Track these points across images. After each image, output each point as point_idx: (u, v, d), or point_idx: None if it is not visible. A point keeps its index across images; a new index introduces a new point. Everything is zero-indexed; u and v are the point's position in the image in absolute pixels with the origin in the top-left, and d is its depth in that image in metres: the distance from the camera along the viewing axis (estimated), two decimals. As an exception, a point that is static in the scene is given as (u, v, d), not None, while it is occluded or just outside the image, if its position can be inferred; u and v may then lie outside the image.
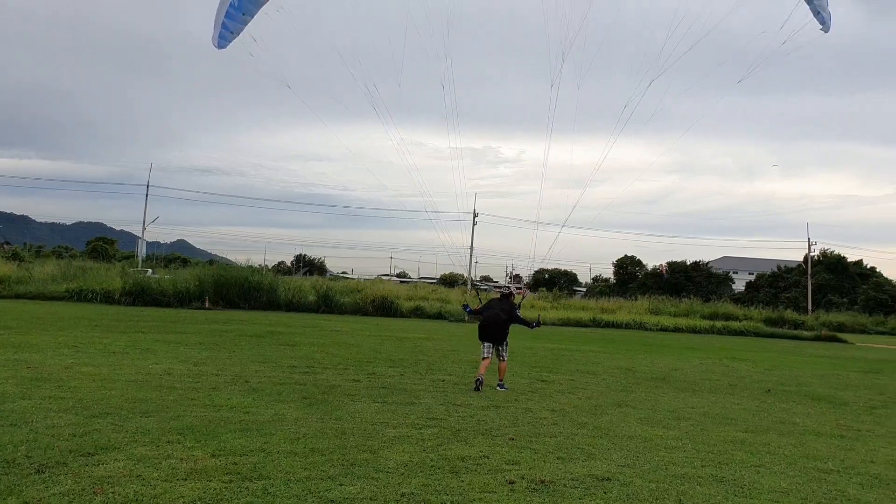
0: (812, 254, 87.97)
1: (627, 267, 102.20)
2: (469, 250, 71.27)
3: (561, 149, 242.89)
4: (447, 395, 12.94)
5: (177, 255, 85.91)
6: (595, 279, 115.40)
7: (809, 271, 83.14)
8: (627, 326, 45.68)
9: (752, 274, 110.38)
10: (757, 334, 48.38)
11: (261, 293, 39.07)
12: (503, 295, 15.01)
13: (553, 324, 44.18)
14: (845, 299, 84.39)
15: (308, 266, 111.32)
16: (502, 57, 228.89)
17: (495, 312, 14.36)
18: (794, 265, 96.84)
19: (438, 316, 41.98)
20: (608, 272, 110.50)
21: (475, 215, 70.27)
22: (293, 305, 39.51)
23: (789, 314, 63.96)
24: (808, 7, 13.37)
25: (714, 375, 19.75)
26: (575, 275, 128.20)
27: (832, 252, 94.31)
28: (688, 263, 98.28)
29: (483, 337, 14.31)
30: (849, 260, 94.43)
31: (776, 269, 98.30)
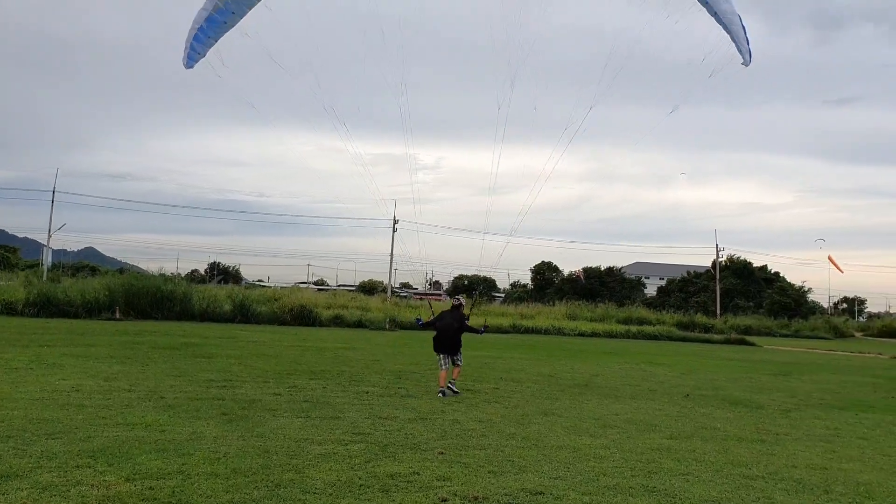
0: (720, 259, 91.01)
1: (545, 272, 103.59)
2: (389, 257, 70.94)
3: (480, 156, 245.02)
4: (372, 408, 12.65)
5: (85, 264, 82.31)
6: (513, 285, 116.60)
7: (717, 276, 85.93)
8: (546, 332, 46.17)
9: (663, 279, 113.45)
10: (670, 338, 49.60)
11: (174, 303, 37.74)
12: (454, 306, 15.63)
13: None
14: (751, 303, 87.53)
15: (222, 274, 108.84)
16: (420, 63, 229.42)
17: (448, 323, 15.07)
18: (702, 270, 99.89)
19: (359, 324, 41.46)
20: (526, 278, 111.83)
21: (395, 222, 69.99)
22: (208, 315, 38.31)
23: (700, 318, 65.89)
24: (727, 34, 13.65)
25: (634, 381, 20.04)
26: (494, 280, 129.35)
27: (738, 258, 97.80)
28: (602, 269, 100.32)
29: (438, 348, 14.97)
30: (754, 265, 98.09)
31: (686, 275, 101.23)
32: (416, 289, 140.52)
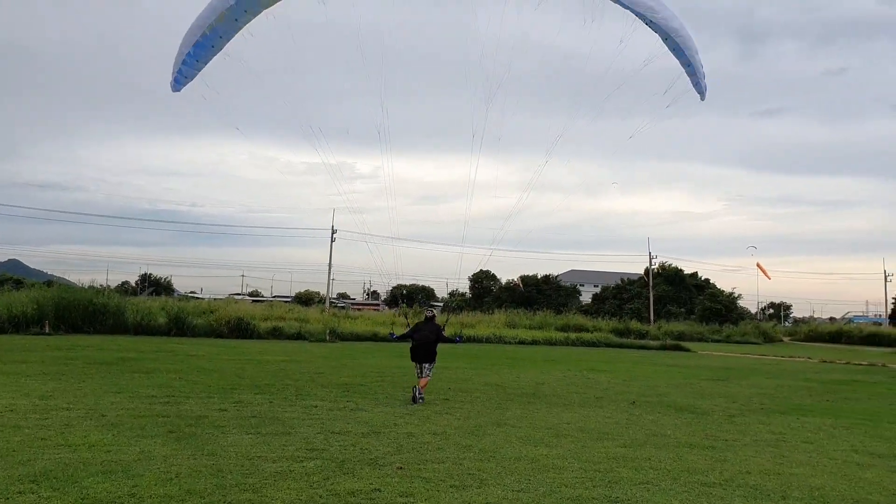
0: (652, 267, 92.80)
1: (483, 281, 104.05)
2: (327, 267, 70.24)
3: (415, 166, 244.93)
4: (323, 423, 12.40)
5: (9, 276, 79.27)
6: (452, 294, 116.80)
7: (651, 283, 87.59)
8: (488, 340, 46.29)
9: (597, 286, 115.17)
10: (608, 345, 50.32)
11: (106, 316, 36.59)
12: (427, 318, 16.52)
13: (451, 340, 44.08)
14: (683, 309, 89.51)
15: (154, 286, 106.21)
16: (352, 71, 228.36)
17: (425, 334, 15.96)
18: (636, 277, 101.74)
19: (298, 336, 40.89)
20: (464, 286, 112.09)
21: (333, 231, 69.35)
22: (142, 328, 37.25)
23: (634, 324, 67.09)
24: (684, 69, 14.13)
25: (579, 388, 20.20)
26: (432, 289, 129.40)
27: (670, 265, 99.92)
28: (539, 277, 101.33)
29: (415, 358, 15.94)
30: (685, 272, 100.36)
31: (620, 282, 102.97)
32: (354, 299, 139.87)
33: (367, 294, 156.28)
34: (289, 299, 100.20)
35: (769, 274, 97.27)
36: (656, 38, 14.80)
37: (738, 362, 37.56)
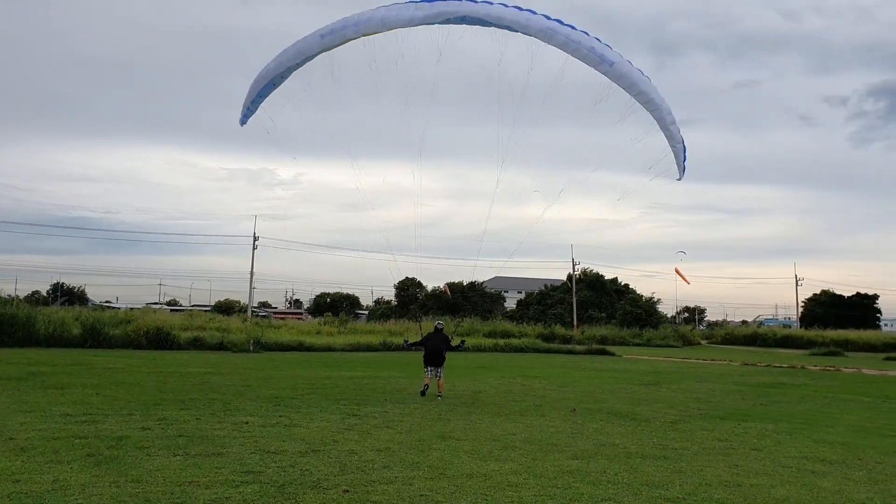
0: (575, 273, 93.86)
1: (409, 288, 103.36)
2: (249, 275, 68.40)
3: (339, 172, 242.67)
4: (256, 441, 11.58)
5: None
6: (377, 302, 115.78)
7: (574, 289, 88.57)
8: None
9: (521, 292, 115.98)
10: (536, 350, 50.37)
11: (15, 328, 34.47)
12: (436, 329, 19.35)
13: (343, 350, 43.18)
14: (604, 314, 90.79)
15: (67, 295, 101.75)
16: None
17: (435, 343, 18.87)
18: (559, 283, 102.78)
19: (220, 346, 39.45)
20: (390, 294, 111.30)
21: (255, 238, 67.59)
22: (55, 340, 35.26)
23: (559, 329, 67.63)
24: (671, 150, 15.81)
25: (516, 396, 19.81)
26: (357, 297, 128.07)
27: (591, 271, 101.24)
28: (464, 284, 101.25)
29: (427, 363, 18.72)
30: (606, 278, 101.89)
31: (544, 288, 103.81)
32: (276, 308, 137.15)
33: (290, 302, 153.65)
34: (208, 308, 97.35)
35: (688, 279, 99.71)
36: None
37: (665, 366, 37.97)
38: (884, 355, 59.18)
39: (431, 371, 18.69)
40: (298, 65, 15.59)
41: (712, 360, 47.43)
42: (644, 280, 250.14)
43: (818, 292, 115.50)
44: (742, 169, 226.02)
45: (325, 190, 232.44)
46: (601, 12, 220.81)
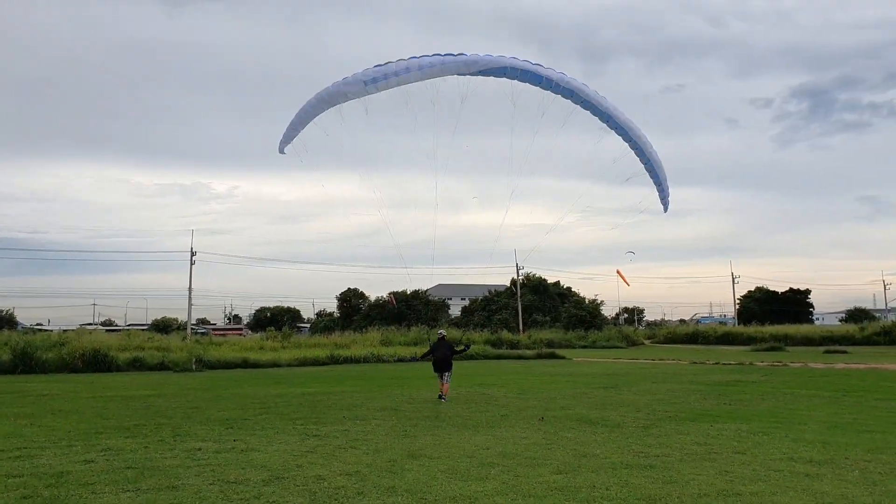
0: (518, 278, 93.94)
1: (351, 299, 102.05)
2: (188, 291, 66.28)
3: (277, 184, 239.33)
4: (214, 470, 10.62)
5: None
6: (319, 314, 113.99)
7: (519, 293, 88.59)
8: (366, 360, 44.70)
9: (465, 299, 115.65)
10: (486, 356, 49.94)
11: (-64, 356, 32.48)
12: (441, 338, 21.27)
13: (289, 365, 41.96)
14: (548, 318, 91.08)
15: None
16: (203, 89, 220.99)
17: (443, 351, 20.78)
18: (502, 289, 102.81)
19: (161, 367, 37.87)
20: (332, 306, 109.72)
21: (193, 254, 65.55)
22: (-20, 368, 33.31)
23: (506, 335, 67.45)
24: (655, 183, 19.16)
25: (479, 406, 19.16)
26: (298, 311, 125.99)
27: (534, 275, 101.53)
28: (408, 293, 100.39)
29: (437, 369, 20.78)
30: (549, 281, 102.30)
31: (488, 294, 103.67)
32: (215, 324, 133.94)
33: (229, 318, 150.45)
34: (146, 327, 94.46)
35: (628, 280, 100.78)
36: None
37: (617, 368, 37.82)
38: (822, 349, 60.60)
39: (441, 376, 20.71)
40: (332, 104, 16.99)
41: (660, 359, 47.64)
42: (584, 282, 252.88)
43: (753, 289, 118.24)
44: (673, 171, 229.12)
45: (261, 202, 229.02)
46: (532, 21, 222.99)
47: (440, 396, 20.42)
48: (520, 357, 49.89)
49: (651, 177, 19.09)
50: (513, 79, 16.92)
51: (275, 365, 41.80)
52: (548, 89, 17.08)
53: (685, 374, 31.63)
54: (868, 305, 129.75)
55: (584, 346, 70.94)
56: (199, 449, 12.54)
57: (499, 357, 49.68)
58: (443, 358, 20.63)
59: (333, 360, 44.04)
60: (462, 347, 22.65)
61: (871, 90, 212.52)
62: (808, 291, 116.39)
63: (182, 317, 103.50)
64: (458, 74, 16.65)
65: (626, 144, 18.63)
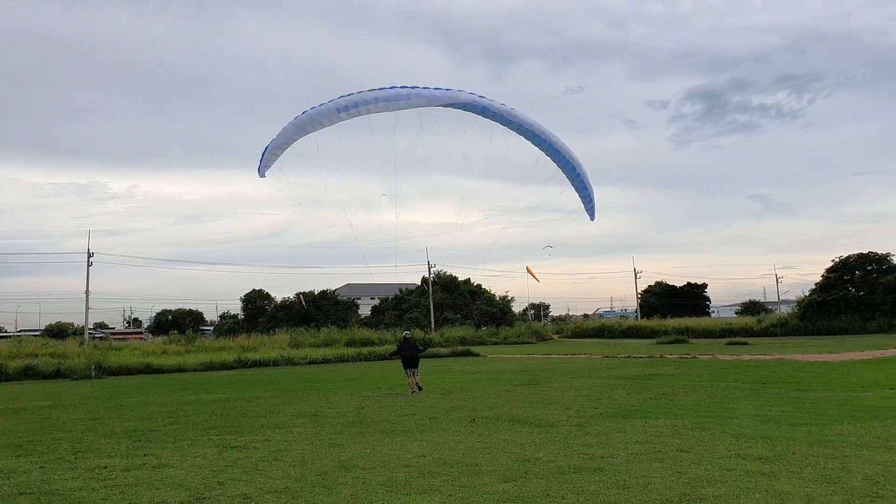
0: (430, 276, 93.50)
1: (256, 301, 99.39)
2: (85, 294, 62.79)
3: (179, 183, 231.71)
4: (124, 493, 9.46)
5: None
6: (223, 316, 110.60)
7: (430, 291, 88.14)
8: (276, 364, 43.17)
9: (375, 298, 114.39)
10: (400, 357, 49.05)
11: None
12: (405, 338, 23.11)
13: (195, 370, 40.13)
14: (459, 315, 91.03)
15: None
16: (101, 86, 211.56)
17: (410, 350, 22.52)
18: (413, 287, 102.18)
19: (57, 374, 35.54)
20: (236, 308, 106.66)
21: (90, 255, 62.17)
22: None
23: (418, 333, 66.85)
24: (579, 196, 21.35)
25: (404, 409, 18.38)
26: (201, 313, 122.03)
27: (445, 273, 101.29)
28: (316, 293, 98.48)
29: (406, 366, 22.34)
30: (459, 279, 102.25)
31: (399, 292, 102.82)
32: (114, 328, 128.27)
33: (128, 322, 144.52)
34: (38, 333, 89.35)
35: (538, 277, 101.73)
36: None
37: (533, 364, 37.72)
38: (724, 341, 62.44)
39: (411, 372, 22.22)
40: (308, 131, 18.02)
41: (572, 354, 48.01)
42: (492, 280, 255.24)
43: (653, 284, 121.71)
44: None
45: (163, 202, 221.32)
46: (439, 21, 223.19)
47: (412, 392, 21.87)
48: (435, 356, 49.32)
49: (579, 192, 21.32)
50: (478, 114, 19.39)
51: (180, 370, 39.91)
52: (505, 125, 19.86)
53: (601, 369, 31.68)
54: (760, 298, 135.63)
55: (496, 343, 71.18)
56: (105, 467, 11.33)
57: (413, 356, 48.91)
58: (411, 356, 22.35)
59: (242, 364, 42.37)
60: (423, 347, 24.43)
61: (762, 92, 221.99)
62: (704, 286, 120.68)
63: (78, 321, 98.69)
64: (422, 107, 18.31)
65: (541, 150, 20.71)
